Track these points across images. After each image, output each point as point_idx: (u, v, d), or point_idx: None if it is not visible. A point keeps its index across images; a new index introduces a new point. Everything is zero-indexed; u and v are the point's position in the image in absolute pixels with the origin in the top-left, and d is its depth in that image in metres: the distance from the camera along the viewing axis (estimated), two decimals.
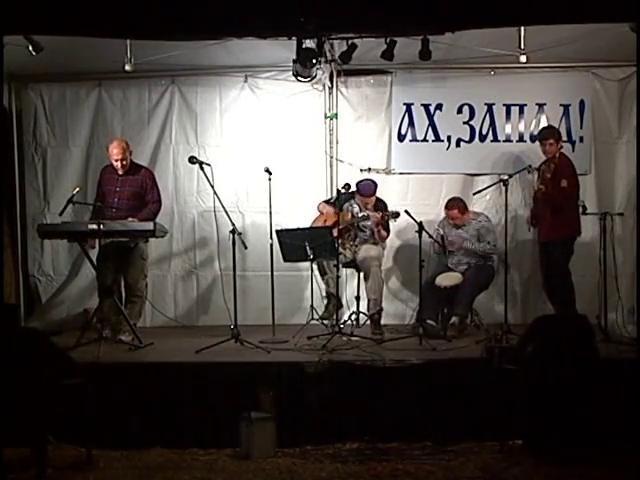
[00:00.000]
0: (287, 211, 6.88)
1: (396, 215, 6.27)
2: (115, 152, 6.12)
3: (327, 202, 6.62)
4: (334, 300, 6.31)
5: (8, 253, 6.80)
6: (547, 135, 6.30)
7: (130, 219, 5.97)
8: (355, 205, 6.53)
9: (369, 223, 6.41)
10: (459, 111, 6.96)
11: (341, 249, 6.21)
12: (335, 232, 6.05)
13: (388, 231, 6.50)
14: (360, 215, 6.44)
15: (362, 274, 6.43)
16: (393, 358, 5.21)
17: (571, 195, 6.15)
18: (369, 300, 6.28)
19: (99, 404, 4.70)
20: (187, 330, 6.73)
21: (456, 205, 6.42)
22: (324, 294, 6.51)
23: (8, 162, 6.81)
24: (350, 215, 6.48)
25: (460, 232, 6.42)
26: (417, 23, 5.30)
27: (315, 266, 6.35)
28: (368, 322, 6.37)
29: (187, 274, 7.17)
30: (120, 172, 6.18)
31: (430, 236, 6.25)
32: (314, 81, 6.67)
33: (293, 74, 6.25)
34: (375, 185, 6.47)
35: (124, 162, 6.13)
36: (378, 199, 6.50)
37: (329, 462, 4.65)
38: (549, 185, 6.16)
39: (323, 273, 6.35)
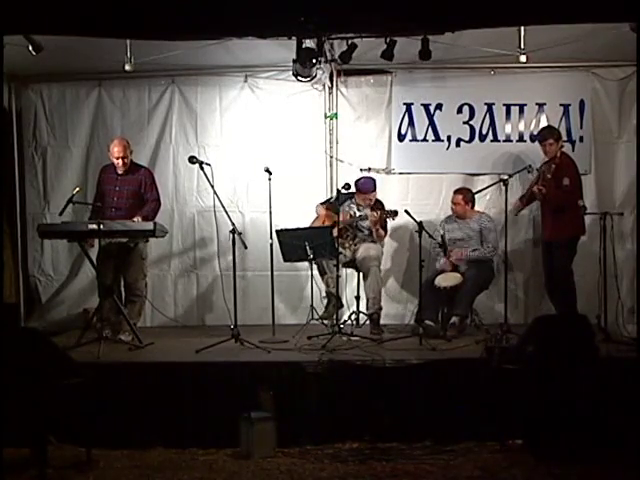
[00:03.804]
0: (287, 211, 6.87)
1: (394, 214, 6.28)
2: (116, 150, 6.13)
3: (324, 204, 6.62)
4: (334, 300, 6.31)
5: (8, 253, 6.80)
6: (546, 135, 6.30)
7: (135, 218, 5.98)
8: (353, 205, 6.53)
9: (367, 223, 6.41)
10: (459, 111, 6.96)
11: (341, 249, 6.21)
12: (335, 232, 6.05)
13: (386, 230, 6.51)
14: (358, 215, 6.45)
15: (361, 274, 6.43)
16: (393, 358, 5.21)
17: (573, 194, 6.14)
18: (368, 299, 6.29)
19: (99, 404, 4.71)
20: (187, 330, 6.73)
21: (462, 192, 6.47)
22: (324, 294, 6.50)
23: (8, 162, 6.81)
24: (348, 216, 6.48)
25: (462, 228, 6.42)
26: (417, 23, 5.30)
27: (315, 266, 6.34)
28: (368, 322, 6.38)
29: (187, 274, 7.17)
30: (120, 171, 6.19)
31: (430, 236, 6.24)
32: (314, 81, 6.67)
33: (293, 74, 6.25)
34: (374, 182, 6.50)
35: (125, 160, 6.14)
36: (377, 200, 6.51)
37: (329, 462, 4.64)
38: (550, 186, 6.16)
39: (323, 273, 6.35)
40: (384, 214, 6.30)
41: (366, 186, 6.46)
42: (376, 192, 6.49)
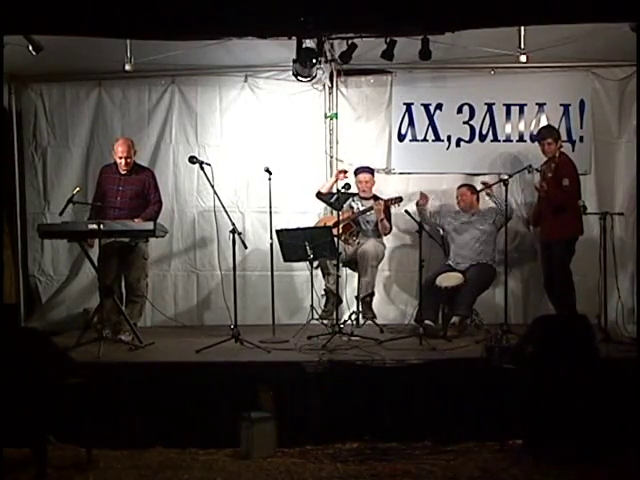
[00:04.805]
0: (287, 211, 6.89)
1: (399, 200, 6.32)
2: (121, 150, 6.14)
3: (320, 196, 6.70)
4: (333, 298, 6.31)
5: (8, 253, 6.79)
6: (545, 135, 6.31)
7: (136, 220, 5.98)
8: (357, 201, 6.55)
9: (372, 217, 6.42)
10: (459, 111, 6.97)
11: (344, 245, 6.22)
12: (335, 231, 6.05)
13: (391, 224, 6.52)
14: (362, 209, 6.46)
15: (359, 270, 6.44)
16: (393, 358, 5.21)
17: (572, 194, 6.15)
18: (360, 282, 6.33)
19: (99, 404, 4.71)
20: (187, 330, 6.73)
21: (466, 185, 6.59)
22: (322, 292, 6.50)
23: (8, 162, 6.81)
24: (351, 212, 6.49)
25: (471, 221, 6.45)
26: (417, 23, 5.30)
27: (316, 265, 6.35)
28: (368, 322, 6.39)
29: (187, 274, 7.17)
30: (123, 171, 6.19)
31: (430, 236, 6.27)
32: (314, 81, 6.68)
33: (293, 74, 6.26)
34: (371, 168, 6.67)
35: (128, 160, 6.15)
36: (376, 196, 6.56)
37: (329, 462, 4.64)
38: (551, 185, 6.16)
39: (326, 274, 6.36)
40: (389, 202, 6.35)
41: (363, 168, 6.61)
42: (374, 176, 6.61)
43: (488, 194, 6.48)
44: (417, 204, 6.60)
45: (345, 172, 6.65)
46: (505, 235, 6.10)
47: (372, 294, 6.40)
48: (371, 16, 5.05)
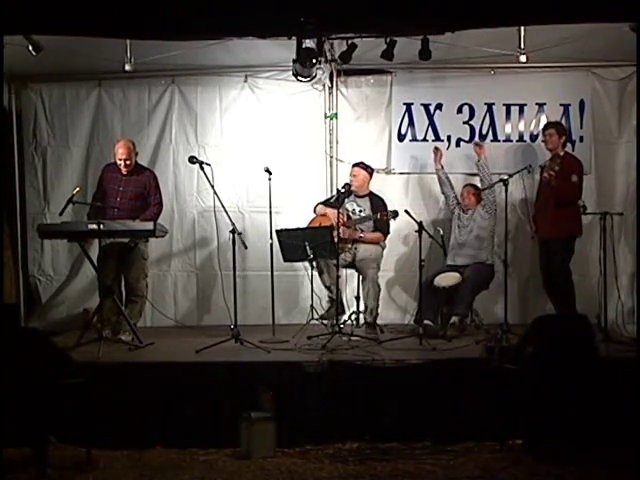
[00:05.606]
0: (287, 211, 6.89)
1: (395, 215, 6.29)
2: (120, 152, 6.13)
3: (324, 203, 6.62)
4: (336, 305, 6.29)
5: (8, 253, 6.79)
6: (548, 125, 6.38)
7: (137, 221, 5.98)
8: (353, 201, 6.54)
9: (366, 223, 6.41)
10: (459, 111, 6.97)
11: (341, 253, 6.21)
12: (335, 234, 6.03)
13: (386, 231, 6.50)
14: (358, 210, 6.44)
15: (360, 275, 6.42)
16: (393, 358, 5.21)
17: (578, 191, 6.16)
18: (366, 306, 6.31)
19: (99, 404, 4.71)
20: (187, 330, 6.72)
21: (472, 185, 6.59)
22: (327, 299, 6.47)
23: (8, 162, 6.81)
24: (346, 216, 6.46)
25: (472, 217, 6.46)
26: (417, 23, 5.30)
27: (315, 265, 6.34)
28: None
29: (187, 274, 7.17)
30: (124, 172, 6.18)
31: (430, 236, 6.27)
32: (314, 81, 6.67)
33: (293, 74, 6.24)
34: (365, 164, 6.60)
35: (128, 162, 6.14)
36: (377, 196, 6.55)
37: (329, 462, 4.64)
38: (559, 178, 6.15)
39: (321, 272, 6.32)
40: (385, 215, 6.32)
41: (358, 163, 6.55)
42: (371, 175, 6.55)
43: (477, 153, 6.50)
44: (435, 161, 6.69)
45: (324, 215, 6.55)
46: (505, 235, 6.09)
47: (376, 315, 6.30)
48: (371, 16, 5.05)
